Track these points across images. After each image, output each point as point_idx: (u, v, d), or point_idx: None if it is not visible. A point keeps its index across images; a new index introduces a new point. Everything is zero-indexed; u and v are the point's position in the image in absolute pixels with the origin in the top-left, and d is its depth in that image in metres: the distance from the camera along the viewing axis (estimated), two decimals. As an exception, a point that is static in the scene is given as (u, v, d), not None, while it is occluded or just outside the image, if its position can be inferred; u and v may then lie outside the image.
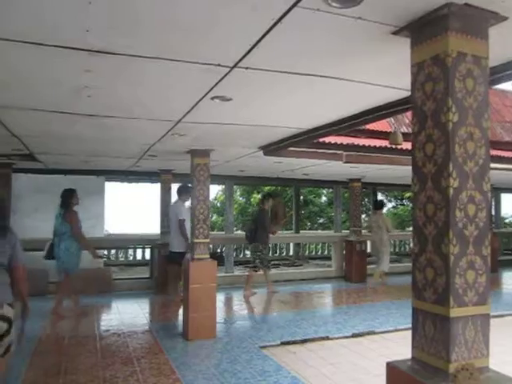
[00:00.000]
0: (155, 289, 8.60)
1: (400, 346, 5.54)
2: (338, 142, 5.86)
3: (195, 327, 5.49)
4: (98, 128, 4.19)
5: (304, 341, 5.64)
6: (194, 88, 2.81)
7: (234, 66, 2.36)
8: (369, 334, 6.02)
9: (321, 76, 2.59)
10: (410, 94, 2.91)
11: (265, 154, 5.54)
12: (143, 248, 12.74)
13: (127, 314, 6.96)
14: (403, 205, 25.68)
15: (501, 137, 8.45)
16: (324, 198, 27.09)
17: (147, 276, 9.36)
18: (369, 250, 10.82)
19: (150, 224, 12.52)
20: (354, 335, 5.93)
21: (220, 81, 2.61)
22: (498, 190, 14.14)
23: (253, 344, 5.39)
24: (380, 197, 22.15)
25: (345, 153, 6.06)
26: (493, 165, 6.16)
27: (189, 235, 6.63)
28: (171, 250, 7.60)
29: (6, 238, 3.05)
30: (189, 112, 3.38)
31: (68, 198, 6.51)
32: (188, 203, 7.22)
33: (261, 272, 8.40)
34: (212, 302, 5.61)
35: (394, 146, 6.20)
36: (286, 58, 2.32)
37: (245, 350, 5.17)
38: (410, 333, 6.17)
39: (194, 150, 5.55)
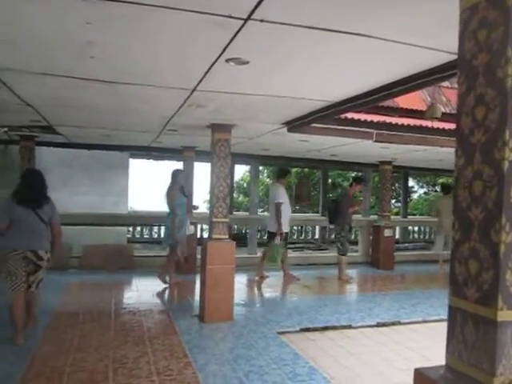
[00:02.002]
0: (176, 267, 8.46)
1: (427, 339, 5.21)
2: (368, 120, 5.45)
3: (211, 309, 5.30)
4: (111, 96, 3.96)
5: (325, 328, 5.37)
6: (207, 47, 2.51)
7: (248, 17, 2.04)
8: (394, 324, 5.69)
9: (352, 33, 2.23)
10: (452, 57, 2.56)
11: (289, 130, 5.21)
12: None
13: (146, 292, 6.84)
14: (436, 191, 24.80)
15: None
16: (353, 182, 26.41)
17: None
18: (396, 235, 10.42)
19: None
20: (379, 325, 5.62)
21: (234, 37, 2.30)
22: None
23: (270, 329, 5.16)
24: (411, 182, 21.43)
25: (375, 131, 5.65)
26: None
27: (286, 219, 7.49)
28: (268, 229, 7.95)
29: (48, 203, 4.48)
30: (204, 78, 3.08)
31: (174, 177, 7.21)
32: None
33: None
34: (230, 284, 5.39)
35: (430, 125, 5.76)
36: (308, 9, 1.98)
37: (262, 335, 4.95)
38: (438, 325, 5.79)
39: (215, 124, 5.26)
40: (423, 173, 19.75)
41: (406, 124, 5.67)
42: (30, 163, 7.60)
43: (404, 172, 15.86)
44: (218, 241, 5.37)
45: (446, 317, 5.94)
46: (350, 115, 5.29)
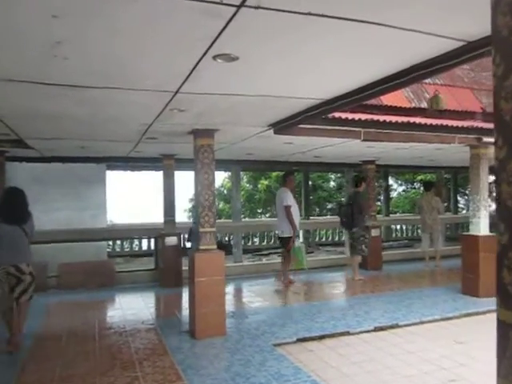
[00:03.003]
0: (160, 281, 8.15)
1: (426, 341, 5.06)
2: (356, 118, 5.29)
3: (203, 324, 5.02)
4: (85, 104, 3.66)
5: (322, 337, 5.16)
6: (193, 41, 2.25)
7: (241, 4, 1.81)
8: (392, 327, 5.52)
9: (353, 20, 2.03)
10: (458, 44, 2.39)
11: (275, 132, 5.00)
12: (148, 238, 12.26)
13: (130, 310, 6.51)
14: (414, 188, 25.04)
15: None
16: (332, 183, 26.56)
17: (152, 267, 8.89)
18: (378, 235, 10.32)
19: (154, 213, 12.07)
20: (377, 329, 5.44)
21: (224, 29, 2.06)
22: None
23: (266, 342, 4.92)
24: (390, 180, 21.55)
25: (363, 130, 5.49)
26: None
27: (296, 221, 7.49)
28: (279, 235, 7.82)
29: (31, 218, 4.91)
30: (188, 78, 2.83)
31: None
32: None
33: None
34: (220, 297, 5.13)
35: (417, 121, 5.65)
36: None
37: (258, 348, 4.70)
38: (435, 326, 5.65)
39: (197, 129, 5.01)
40: (403, 170, 19.88)
41: (393, 121, 5.53)
42: (1, 180, 7.18)
43: (384, 170, 15.90)
44: (206, 252, 5.11)
45: (440, 317, 5.78)
46: (337, 114, 5.12)
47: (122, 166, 10.72)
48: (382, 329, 5.46)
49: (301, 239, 10.86)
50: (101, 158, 8.71)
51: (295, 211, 7.62)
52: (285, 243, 7.61)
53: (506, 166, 1.33)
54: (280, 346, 4.87)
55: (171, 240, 8.04)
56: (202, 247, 5.10)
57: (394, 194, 25.84)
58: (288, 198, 7.55)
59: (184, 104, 3.65)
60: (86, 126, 4.90)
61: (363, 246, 8.29)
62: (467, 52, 2.34)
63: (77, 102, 3.61)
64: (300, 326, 5.46)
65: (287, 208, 7.46)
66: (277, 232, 7.99)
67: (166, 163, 8.23)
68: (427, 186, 10.34)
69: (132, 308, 6.62)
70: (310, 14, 1.95)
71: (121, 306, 6.91)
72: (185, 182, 11.00)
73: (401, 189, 28.25)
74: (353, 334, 5.29)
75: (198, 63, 2.56)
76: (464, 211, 24.22)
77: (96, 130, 5.26)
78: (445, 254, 10.26)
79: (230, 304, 6.59)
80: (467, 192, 25.89)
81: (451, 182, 17.97)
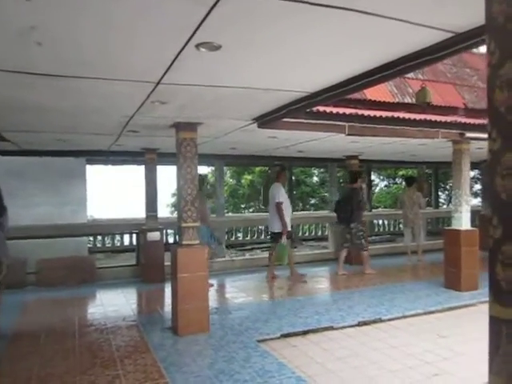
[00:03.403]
0: (142, 276, 8.03)
1: (410, 336, 5.08)
2: (340, 112, 5.25)
3: (185, 321, 4.95)
4: (63, 94, 3.53)
5: (306, 332, 5.13)
6: (175, 28, 2.16)
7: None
8: (375, 322, 5.53)
9: (340, 8, 1.97)
10: (447, 35, 2.35)
11: (259, 126, 4.93)
12: (130, 233, 12.08)
13: (112, 306, 6.38)
14: (396, 183, 25.29)
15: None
16: (315, 178, 26.65)
17: (134, 263, 8.76)
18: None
19: (136, 208, 11.90)
20: (360, 324, 5.44)
21: (207, 16, 1.97)
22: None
23: (250, 338, 4.86)
24: (373, 176, 21.72)
25: (347, 124, 5.46)
26: None
27: (288, 217, 7.58)
28: (270, 230, 7.90)
29: (6, 213, 4.80)
30: (170, 67, 2.73)
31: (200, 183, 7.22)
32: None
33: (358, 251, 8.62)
34: (204, 293, 5.06)
35: (401, 116, 5.64)
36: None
37: (242, 345, 4.64)
38: (417, 320, 5.68)
39: (179, 123, 4.90)
40: (385, 166, 20.01)
41: (378, 116, 5.51)
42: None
43: (367, 166, 15.98)
44: (189, 247, 5.02)
45: (423, 311, 5.79)
46: (321, 108, 5.08)
47: (103, 161, 10.50)
48: (365, 323, 5.46)
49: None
50: (81, 152, 8.52)
51: (287, 207, 7.66)
52: (275, 238, 7.70)
53: (499, 158, 1.29)
54: (264, 341, 4.83)
55: (153, 235, 7.93)
56: (184, 242, 5.01)
57: (376, 190, 26.08)
58: (280, 195, 7.60)
59: (166, 96, 3.55)
60: (65, 118, 4.74)
61: (363, 241, 8.44)
62: (455, 44, 2.30)
63: (54, 93, 3.48)
64: (284, 322, 5.43)
65: (278, 204, 7.52)
66: (269, 227, 8.10)
67: (148, 157, 8.09)
68: (409, 181, 10.42)
69: (113, 304, 6.50)
70: (294, 0, 1.88)
71: (102, 303, 6.77)
72: (167, 176, 10.86)
73: (383, 184, 28.52)
74: (336, 328, 5.28)
75: (180, 52, 2.47)
76: (444, 206, 24.60)
77: (76, 122, 5.10)
78: (426, 249, 10.37)
79: (213, 300, 6.52)
80: (447, 187, 26.29)
81: (432, 177, 18.18)
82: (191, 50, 2.43)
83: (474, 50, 9.59)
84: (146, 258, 7.99)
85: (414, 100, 7.00)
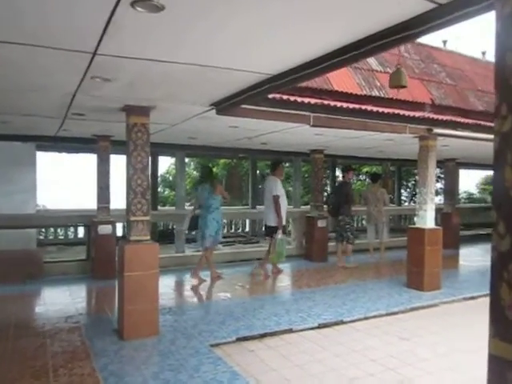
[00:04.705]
0: (93, 272, 7.50)
1: (372, 338, 4.86)
2: (305, 101, 4.92)
3: (132, 323, 4.51)
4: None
5: (263, 335, 4.81)
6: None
7: None
8: (337, 323, 5.28)
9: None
10: (430, 6, 2.04)
11: (218, 112, 4.52)
12: (80, 226, 11.40)
13: (54, 306, 5.85)
14: (360, 180, 25.41)
15: (475, 106, 7.83)
16: (281, 173, 26.36)
17: (84, 258, 8.19)
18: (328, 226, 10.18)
19: (90, 199, 11.24)
20: (321, 326, 5.17)
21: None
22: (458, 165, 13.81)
23: (203, 342, 4.49)
24: (337, 172, 21.70)
25: (312, 114, 5.13)
26: (472, 134, 5.32)
27: (284, 211, 7.48)
28: (266, 223, 7.78)
29: None
30: (105, 33, 2.29)
31: (210, 174, 7.41)
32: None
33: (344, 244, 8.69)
34: (153, 293, 4.63)
35: (369, 108, 5.37)
36: None
37: (193, 350, 4.26)
38: (379, 321, 5.43)
39: (130, 105, 4.44)
40: (350, 162, 19.97)
41: (344, 107, 5.22)
42: None
43: (332, 161, 15.85)
44: (138, 243, 4.58)
45: (385, 312, 5.49)
46: (285, 96, 4.73)
47: (54, 147, 9.80)
48: (326, 325, 5.20)
49: (289, 228, 10.72)
50: (28, 137, 7.86)
51: (283, 201, 7.54)
52: (270, 232, 7.58)
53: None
54: (218, 346, 4.47)
55: (105, 228, 7.40)
56: (133, 238, 4.56)
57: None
58: (278, 188, 7.48)
59: (107, 71, 3.09)
60: (1, 96, 4.19)
61: (349, 234, 8.52)
62: (439, 16, 1.99)
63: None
64: (241, 324, 5.08)
65: (275, 198, 7.39)
66: (264, 220, 7.98)
67: (101, 145, 7.53)
68: (374, 177, 10.31)
69: (57, 303, 5.96)
70: None
71: (44, 301, 6.24)
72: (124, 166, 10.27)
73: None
74: (296, 331, 4.99)
75: (113, 13, 2.03)
76: (406, 203, 24.95)
77: (14, 101, 4.54)
78: (388, 246, 10.27)
79: (166, 299, 6.10)
80: (410, 185, 26.69)
81: (395, 174, 18.28)
82: (127, 11, 2.01)
83: (442, 47, 9.51)
84: (97, 253, 7.46)
85: (382, 93, 6.79)
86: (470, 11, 1.95)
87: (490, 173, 24.04)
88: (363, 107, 5.39)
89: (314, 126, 5.26)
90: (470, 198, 26.76)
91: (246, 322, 5.16)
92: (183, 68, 3.04)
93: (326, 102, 5.10)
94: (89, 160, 11.19)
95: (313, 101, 5.07)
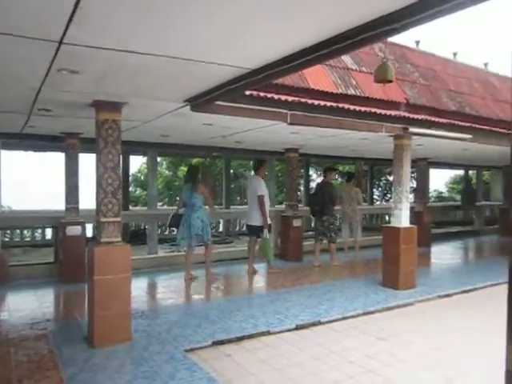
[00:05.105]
0: (61, 276, 7.19)
1: (349, 338, 4.81)
2: (282, 99, 4.82)
3: (103, 330, 4.30)
4: None
5: (240, 338, 4.69)
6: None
7: None
8: (314, 324, 5.20)
9: None
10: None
11: (192, 108, 4.36)
12: (48, 227, 10.99)
13: (19, 312, 5.55)
14: (333, 179, 25.62)
15: (448, 106, 7.92)
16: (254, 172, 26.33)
17: (51, 260, 7.85)
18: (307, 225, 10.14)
19: (59, 199, 10.85)
20: (298, 327, 5.08)
21: None
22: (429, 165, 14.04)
23: (177, 347, 4.32)
24: (310, 171, 21.78)
25: (289, 112, 5.04)
26: (446, 133, 5.33)
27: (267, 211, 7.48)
28: (249, 223, 7.69)
29: None
30: (72, 19, 2.10)
31: (196, 174, 7.35)
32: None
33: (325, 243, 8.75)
34: (125, 297, 4.43)
35: (346, 107, 5.32)
36: None
37: (167, 356, 4.09)
38: (356, 321, 5.39)
39: (99, 101, 4.22)
40: (323, 161, 20.06)
41: (322, 105, 5.14)
42: None
43: (306, 160, 15.87)
44: (109, 245, 4.37)
45: (362, 311, 5.43)
46: (262, 93, 4.61)
47: (19, 145, 9.40)
48: (303, 327, 5.11)
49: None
50: (-10, 134, 7.47)
51: (267, 201, 7.59)
52: (254, 232, 7.60)
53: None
54: (193, 351, 4.32)
55: (73, 229, 7.11)
56: (103, 240, 4.35)
57: (313, 184, 26.27)
58: (262, 188, 7.50)
59: (75, 62, 2.89)
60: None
61: (333, 233, 8.57)
62: (425, 9, 1.90)
63: None
64: (217, 327, 4.94)
65: (260, 198, 7.40)
66: (244, 220, 8.12)
67: (70, 143, 7.22)
68: (348, 176, 10.34)
69: (22, 309, 5.66)
70: None
71: (8, 307, 5.91)
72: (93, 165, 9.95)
73: (320, 179, 28.82)
74: (273, 333, 4.89)
75: (81, -6, 1.87)
76: (378, 202, 25.30)
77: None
78: (362, 245, 10.31)
79: (139, 302, 5.90)
80: (381, 184, 27.09)
81: (368, 173, 18.48)
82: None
83: (415, 47, 9.60)
84: (65, 255, 7.15)
85: (358, 92, 6.76)
86: (448, 7, 1.89)
87: (459, 172, 24.68)
88: (340, 105, 5.33)
89: (291, 123, 5.16)
90: (440, 197, 27.40)
91: (223, 324, 5.03)
92: (158, 60, 2.87)
93: (303, 100, 5.01)
94: (57, 158, 10.82)
95: (290, 98, 4.97)
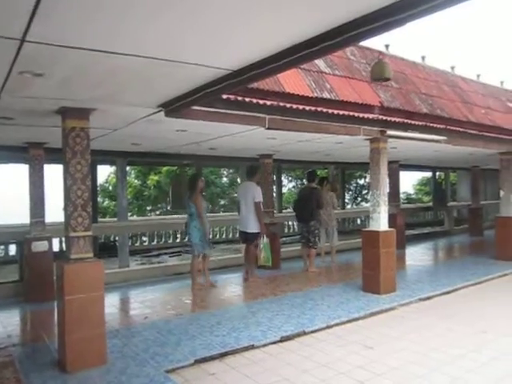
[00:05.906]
0: (26, 295, 6.75)
1: (337, 349, 4.65)
2: (261, 102, 4.66)
3: (76, 353, 3.99)
4: None
5: (223, 354, 4.46)
6: None
7: None
8: (299, 335, 5.04)
9: None
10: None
11: (167, 114, 4.13)
12: (15, 243, 10.42)
13: (-18, 336, 5.13)
14: (304, 184, 25.69)
15: (420, 108, 7.95)
16: (225, 179, 26.19)
17: (16, 279, 7.38)
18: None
19: (23, 213, 10.30)
20: (283, 339, 4.90)
21: None
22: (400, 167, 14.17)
23: (157, 368, 4.06)
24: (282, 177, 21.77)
25: (267, 116, 4.87)
26: (421, 135, 5.29)
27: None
28: (246, 230, 7.55)
29: None
30: (35, 13, 1.86)
31: (194, 183, 7.21)
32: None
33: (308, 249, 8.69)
34: (99, 317, 4.13)
35: (324, 110, 5.21)
36: None
37: (147, 379, 3.82)
38: (341, 330, 5.20)
39: (66, 107, 3.93)
40: (294, 166, 20.05)
41: (301, 108, 5.00)
42: None
43: (277, 166, 15.76)
44: (80, 262, 4.07)
45: (347, 318, 5.27)
46: (239, 97, 4.43)
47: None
48: (288, 338, 4.94)
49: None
50: None
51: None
52: (250, 239, 7.53)
53: None
54: (174, 371, 4.07)
55: (39, 245, 6.70)
56: (73, 256, 4.04)
57: (284, 190, 26.29)
58: (259, 194, 7.44)
59: (39, 63, 2.62)
60: None
61: (316, 239, 8.63)
62: (418, 3, 1.77)
63: None
64: (197, 343, 4.69)
65: (258, 204, 7.36)
66: (239, 227, 7.90)
67: (34, 153, 6.82)
68: (320, 181, 10.24)
69: (-15, 333, 5.24)
70: None
71: (-31, 332, 5.46)
72: (60, 176, 9.50)
73: (291, 185, 28.90)
74: (258, 347, 4.68)
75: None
76: (349, 206, 25.51)
77: None
78: (339, 249, 10.24)
79: (113, 320, 5.57)
80: (351, 187, 27.37)
81: (339, 177, 18.56)
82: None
83: (385, 51, 9.66)
84: (31, 273, 6.73)
85: (332, 96, 6.67)
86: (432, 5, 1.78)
87: (427, 174, 25.20)
88: (319, 109, 5.21)
89: (269, 128, 5.00)
90: (408, 199, 27.90)
91: (204, 340, 4.78)
92: (131, 61, 2.64)
93: (282, 104, 4.85)
94: (20, 171, 10.29)
95: (269, 102, 4.81)
